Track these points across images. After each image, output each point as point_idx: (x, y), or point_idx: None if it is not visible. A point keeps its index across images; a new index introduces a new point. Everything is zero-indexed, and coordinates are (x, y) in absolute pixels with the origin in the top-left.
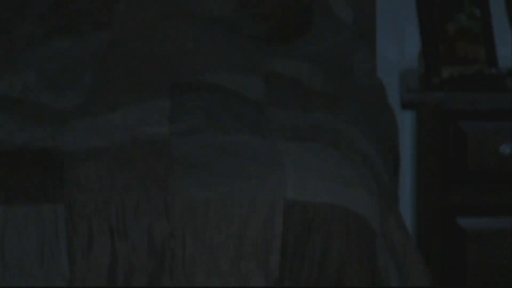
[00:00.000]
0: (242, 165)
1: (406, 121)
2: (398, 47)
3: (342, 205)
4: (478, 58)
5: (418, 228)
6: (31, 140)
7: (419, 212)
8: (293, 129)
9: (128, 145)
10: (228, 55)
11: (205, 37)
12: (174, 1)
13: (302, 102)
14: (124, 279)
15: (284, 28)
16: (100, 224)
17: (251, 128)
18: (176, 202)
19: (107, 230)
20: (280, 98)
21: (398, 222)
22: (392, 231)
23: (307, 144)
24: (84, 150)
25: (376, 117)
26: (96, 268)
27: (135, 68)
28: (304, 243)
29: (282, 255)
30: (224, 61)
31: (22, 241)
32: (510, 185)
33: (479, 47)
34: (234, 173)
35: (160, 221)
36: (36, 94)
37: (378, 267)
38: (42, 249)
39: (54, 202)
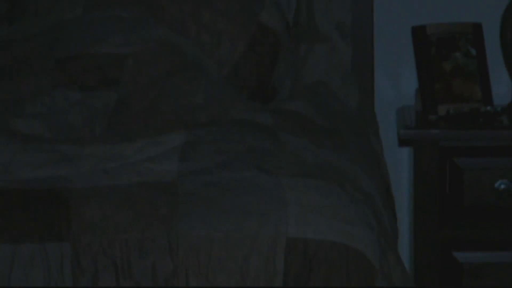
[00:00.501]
0: (246, 202)
1: (403, 158)
2: (395, 84)
3: (343, 243)
4: (473, 96)
5: (416, 262)
6: (40, 177)
7: (416, 246)
8: (300, 163)
9: (135, 183)
10: (236, 106)
11: (212, 92)
12: (179, 59)
13: (308, 133)
14: None
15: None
16: (105, 262)
17: (258, 164)
18: (179, 241)
19: (112, 268)
20: (289, 127)
21: (397, 260)
22: (391, 269)
23: (312, 181)
24: (91, 188)
25: (371, 151)
26: None
27: (146, 121)
28: (305, 280)
29: None
30: (233, 110)
31: (28, 279)
32: (506, 220)
33: (475, 85)
34: (237, 211)
35: (164, 259)
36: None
37: None
38: (48, 287)
39: (60, 241)
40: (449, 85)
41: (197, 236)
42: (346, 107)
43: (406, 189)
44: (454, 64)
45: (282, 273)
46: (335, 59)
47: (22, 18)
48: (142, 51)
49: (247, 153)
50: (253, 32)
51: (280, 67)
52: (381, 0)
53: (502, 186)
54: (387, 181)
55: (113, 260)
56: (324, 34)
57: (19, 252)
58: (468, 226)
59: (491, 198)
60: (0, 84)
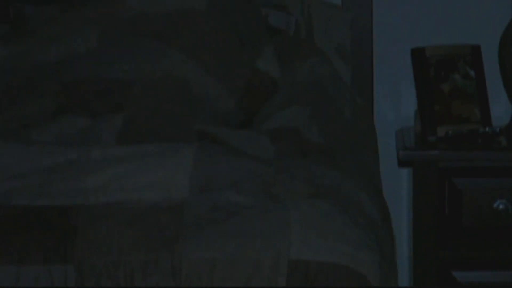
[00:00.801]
0: (249, 225)
1: (402, 178)
2: (395, 106)
3: (345, 265)
4: (472, 117)
5: (415, 282)
6: (47, 194)
7: (416, 266)
8: (304, 186)
9: (144, 201)
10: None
11: (213, 117)
12: (184, 87)
13: (308, 155)
14: None
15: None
16: (109, 284)
17: (264, 187)
18: (182, 264)
19: None
20: (289, 155)
21: (398, 282)
22: None
23: (315, 202)
24: (99, 205)
25: (368, 172)
26: None
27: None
28: None
29: None
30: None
31: None
32: (505, 239)
33: (474, 106)
34: (240, 233)
35: (167, 281)
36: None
37: None
38: None
39: (64, 263)
40: (448, 107)
41: (200, 258)
42: (341, 117)
43: (405, 210)
44: (453, 85)
45: None
46: (330, 68)
47: (28, 41)
48: (149, 79)
49: (253, 176)
50: (249, 77)
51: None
52: (381, 22)
53: (501, 206)
54: (384, 200)
55: (117, 282)
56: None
57: (24, 273)
58: (467, 246)
59: (490, 218)
60: (3, 106)
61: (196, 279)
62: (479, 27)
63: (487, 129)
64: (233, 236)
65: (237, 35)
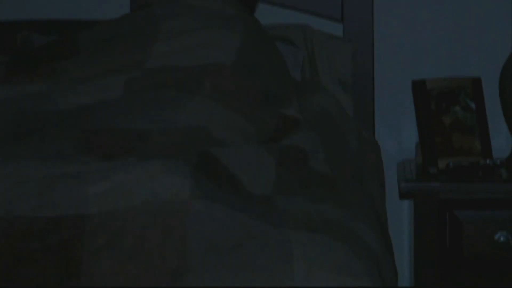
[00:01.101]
0: (253, 257)
1: (404, 210)
2: (396, 138)
3: None
4: (473, 149)
5: None
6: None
7: None
8: (305, 219)
9: (145, 214)
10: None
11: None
12: (195, 127)
13: (309, 190)
14: None
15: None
16: None
17: (266, 216)
18: None
19: None
20: (289, 188)
21: None
22: None
23: (317, 236)
24: (106, 215)
25: (372, 194)
26: None
27: None
28: None
29: None
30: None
31: None
32: (505, 271)
33: (474, 138)
34: (244, 265)
35: None
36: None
37: None
38: None
39: None
40: (449, 139)
41: None
42: (348, 148)
43: (406, 241)
44: (453, 118)
45: None
46: (337, 103)
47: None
48: (169, 128)
49: (255, 203)
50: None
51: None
52: (382, 55)
53: (502, 238)
54: (386, 231)
55: None
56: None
57: None
58: (468, 277)
59: (491, 250)
60: (19, 145)
61: None
62: (480, 60)
63: (487, 161)
64: (238, 271)
65: (262, 90)
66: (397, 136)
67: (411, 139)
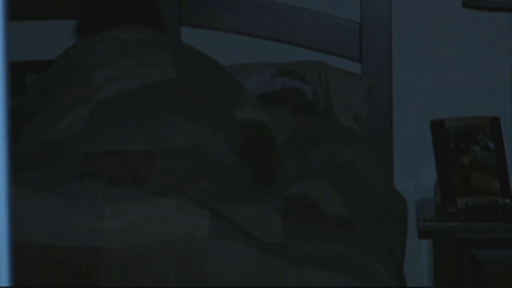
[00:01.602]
0: None
1: (423, 250)
2: (414, 177)
3: None
4: (492, 188)
5: None
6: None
7: None
8: (321, 259)
9: (162, 251)
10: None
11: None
12: (203, 156)
13: (322, 233)
14: None
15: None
16: None
17: (281, 255)
18: None
19: None
20: (299, 233)
21: None
22: None
23: (334, 274)
24: (118, 256)
25: (391, 236)
26: None
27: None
28: None
29: None
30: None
31: None
32: None
33: (493, 178)
34: None
35: None
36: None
37: None
38: None
39: None
40: (467, 179)
41: None
42: (372, 193)
43: (425, 281)
44: (472, 157)
45: None
46: (364, 151)
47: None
48: (171, 149)
49: (271, 246)
50: (241, 128)
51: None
52: (400, 94)
53: None
54: (402, 274)
55: None
56: (344, 126)
57: None
58: None
59: None
60: (24, 173)
61: None
62: (498, 99)
63: (506, 200)
64: None
65: (216, 95)
66: (416, 175)
67: (430, 179)
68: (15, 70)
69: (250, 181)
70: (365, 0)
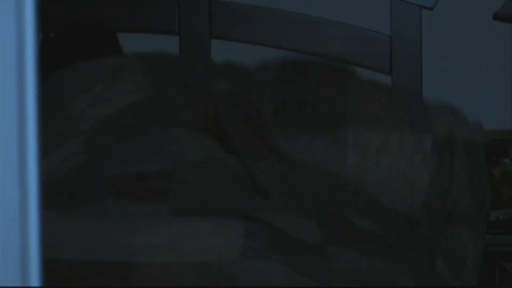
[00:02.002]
0: None
1: None
2: None
3: None
4: None
5: None
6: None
7: None
8: (354, 272)
9: (194, 271)
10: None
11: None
12: (220, 168)
13: (358, 244)
14: None
15: None
16: None
17: (313, 271)
18: None
19: None
20: (337, 240)
21: None
22: None
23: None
24: (151, 274)
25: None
26: None
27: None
28: None
29: None
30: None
31: None
32: None
33: None
34: None
35: None
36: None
37: None
38: None
39: None
40: (498, 191)
41: None
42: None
43: None
44: (503, 170)
45: None
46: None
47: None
48: (189, 165)
49: (308, 251)
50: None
51: None
52: None
53: None
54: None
55: None
56: None
57: None
58: None
59: None
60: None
61: None
62: None
63: None
64: None
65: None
66: None
67: None
68: None
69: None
70: (395, 13)
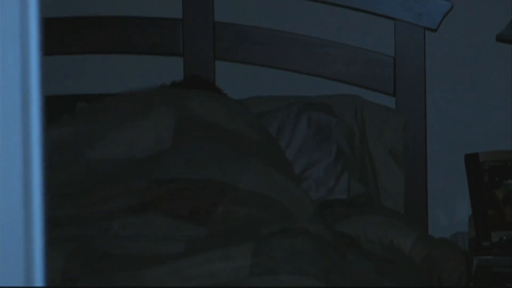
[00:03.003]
0: None
1: None
2: (448, 211)
3: None
4: None
5: None
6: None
7: None
8: (367, 279)
9: None
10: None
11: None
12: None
13: (372, 262)
14: None
15: None
16: None
17: (324, 276)
18: None
19: None
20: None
21: None
22: None
23: None
24: None
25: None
26: None
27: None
28: None
29: None
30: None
31: None
32: None
33: None
34: None
35: None
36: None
37: None
38: None
39: None
40: (501, 212)
41: None
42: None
43: None
44: (506, 191)
45: None
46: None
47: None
48: (239, 189)
49: (318, 256)
50: None
51: None
52: (434, 128)
53: None
54: None
55: None
56: (378, 161)
57: None
58: None
59: None
60: (91, 197)
61: None
62: None
63: None
64: None
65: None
66: (450, 208)
67: (464, 212)
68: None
69: None
70: (399, 34)
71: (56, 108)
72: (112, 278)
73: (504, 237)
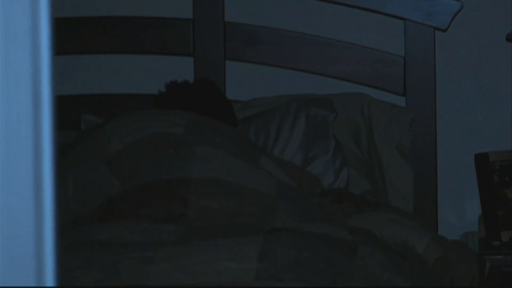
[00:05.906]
0: None
1: None
2: (458, 210)
3: None
4: None
5: None
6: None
7: None
8: (376, 279)
9: None
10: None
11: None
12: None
13: (386, 252)
14: None
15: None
16: None
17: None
18: None
19: None
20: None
21: None
22: None
23: None
24: None
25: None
26: None
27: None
28: None
29: None
30: (307, 216)
31: None
32: None
33: None
34: None
35: None
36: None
37: None
38: None
39: None
40: (511, 212)
41: None
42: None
43: None
44: None
45: None
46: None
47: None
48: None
49: (323, 266)
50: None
51: None
52: (444, 128)
53: None
54: None
55: None
56: (385, 157)
57: None
58: None
59: None
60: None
61: None
62: None
63: None
64: None
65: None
66: (460, 208)
67: (474, 212)
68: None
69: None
70: (409, 34)
71: (66, 109)
72: (117, 269)
73: None
